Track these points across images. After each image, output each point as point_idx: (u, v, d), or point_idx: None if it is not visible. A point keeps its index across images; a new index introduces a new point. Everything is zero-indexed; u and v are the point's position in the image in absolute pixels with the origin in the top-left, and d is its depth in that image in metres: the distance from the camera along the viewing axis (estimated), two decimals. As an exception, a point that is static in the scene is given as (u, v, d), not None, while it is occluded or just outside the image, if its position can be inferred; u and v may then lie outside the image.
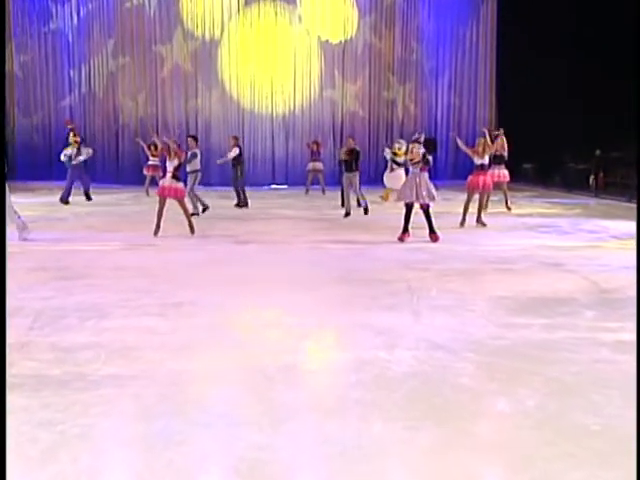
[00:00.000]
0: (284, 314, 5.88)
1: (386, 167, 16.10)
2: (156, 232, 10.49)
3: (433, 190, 9.95)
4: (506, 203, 14.58)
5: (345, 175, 13.77)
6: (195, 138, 14.35)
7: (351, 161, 13.51)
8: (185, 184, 11.49)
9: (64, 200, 15.48)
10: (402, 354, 4.69)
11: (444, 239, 10.15)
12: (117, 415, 3.70)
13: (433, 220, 10.00)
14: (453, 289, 6.79)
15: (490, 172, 13.80)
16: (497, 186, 14.45)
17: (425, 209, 9.89)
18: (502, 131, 14.93)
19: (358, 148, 14.15)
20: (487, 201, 13.93)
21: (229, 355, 4.72)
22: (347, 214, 13.41)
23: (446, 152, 24.09)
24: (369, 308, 6.05)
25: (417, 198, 9.81)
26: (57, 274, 7.51)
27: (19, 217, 9.87)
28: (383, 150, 17.21)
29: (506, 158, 14.55)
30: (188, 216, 10.89)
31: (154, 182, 16.75)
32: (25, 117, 23.20)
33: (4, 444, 3.15)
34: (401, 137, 21.87)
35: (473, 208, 11.90)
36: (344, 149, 14.22)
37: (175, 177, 10.63)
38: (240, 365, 4.51)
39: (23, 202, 14.40)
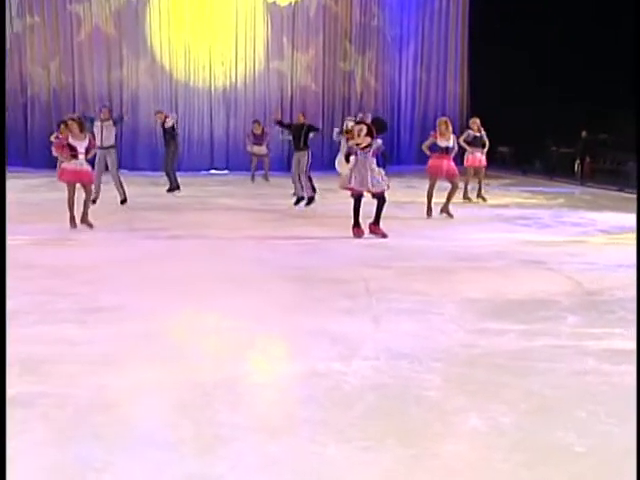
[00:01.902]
0: (224, 319, 5.86)
1: (339, 151, 16.22)
2: (74, 224, 10.40)
3: (383, 176, 9.96)
4: (479, 192, 14.77)
5: (294, 155, 13.83)
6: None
7: (299, 137, 13.57)
8: None
9: None
10: (360, 365, 4.71)
11: (407, 233, 10.24)
12: (24, 441, 3.63)
13: (383, 211, 9.97)
14: (418, 290, 6.85)
15: (470, 156, 14.06)
16: (475, 172, 14.67)
17: (379, 197, 9.89)
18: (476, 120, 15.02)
19: (309, 123, 14.27)
20: (466, 188, 14.15)
21: (160, 368, 4.68)
22: (298, 200, 13.46)
23: (410, 134, 24.31)
24: (322, 312, 6.06)
25: (365, 186, 9.83)
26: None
27: None
28: (333, 132, 17.30)
29: (486, 141, 14.70)
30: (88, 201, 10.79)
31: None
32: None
33: (4, 444, 3.18)
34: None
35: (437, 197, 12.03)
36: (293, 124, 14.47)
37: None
38: (172, 379, 4.47)
39: None
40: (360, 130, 9.96)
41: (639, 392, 3.82)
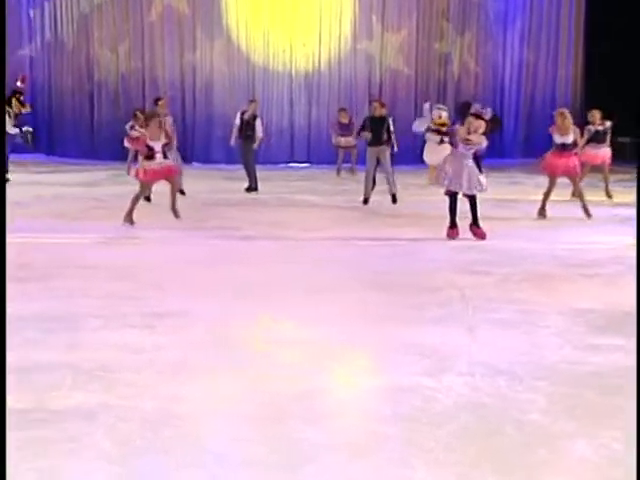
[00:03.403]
0: (302, 328, 5.94)
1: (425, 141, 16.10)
2: (128, 219, 10.77)
3: (480, 178, 9.95)
4: (606, 189, 14.55)
5: (369, 150, 13.82)
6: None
7: (379, 131, 13.55)
8: None
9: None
10: (452, 381, 4.72)
11: (509, 235, 10.14)
12: (86, 455, 3.77)
13: (478, 210, 9.94)
14: (520, 299, 6.80)
15: (589, 152, 13.77)
16: (598, 169, 14.44)
17: (472, 197, 9.90)
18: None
19: (386, 113, 14.18)
20: (578, 189, 13.93)
21: (231, 379, 4.78)
22: (365, 201, 13.48)
23: (515, 123, 23.95)
24: (410, 322, 6.08)
25: (459, 186, 9.82)
26: (12, 274, 7.58)
27: None
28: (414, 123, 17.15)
29: (609, 134, 14.47)
30: (174, 200, 11.12)
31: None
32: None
33: (4, 444, 3.36)
34: (456, 102, 21.79)
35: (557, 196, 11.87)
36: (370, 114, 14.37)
37: (165, 154, 10.89)
38: (245, 392, 4.57)
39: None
40: (479, 127, 9.90)
41: (639, 392, 3.88)
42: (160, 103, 14.52)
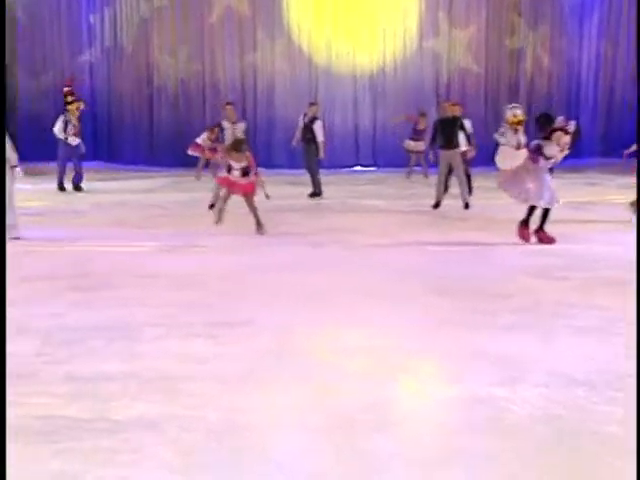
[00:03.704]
0: (370, 337, 5.95)
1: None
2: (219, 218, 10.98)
3: (554, 193, 9.93)
4: None
5: (441, 154, 13.78)
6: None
7: (449, 134, 13.50)
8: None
9: (80, 185, 16.09)
10: (527, 391, 4.69)
11: (588, 239, 10.04)
12: (150, 466, 3.84)
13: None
14: (600, 305, 6.72)
15: None
16: None
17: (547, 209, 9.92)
18: None
19: (459, 114, 14.10)
20: None
21: (298, 390, 4.82)
22: (436, 205, 13.45)
23: (592, 121, 23.60)
24: (482, 329, 6.05)
25: (536, 199, 9.82)
26: (73, 283, 7.80)
27: (12, 211, 10.31)
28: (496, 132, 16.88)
29: None
30: (256, 214, 11.17)
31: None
32: (31, 78, 23.79)
33: (4, 444, 3.48)
34: (529, 100, 21.62)
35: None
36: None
37: (245, 173, 11.03)
38: (312, 403, 4.60)
39: (28, 189, 14.94)
40: (565, 144, 9.87)
41: (639, 395, 3.90)
42: (229, 107, 14.65)
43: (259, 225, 10.94)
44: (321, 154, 15.46)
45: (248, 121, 18.31)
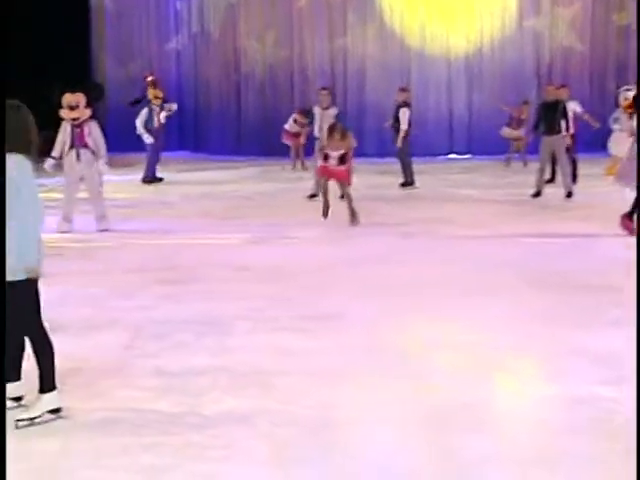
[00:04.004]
0: (463, 332, 5.97)
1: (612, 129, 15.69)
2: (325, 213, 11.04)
3: None
4: None
5: (543, 140, 13.60)
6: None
7: (551, 119, 13.31)
8: None
9: (149, 179, 16.31)
10: (633, 390, 4.63)
11: None
12: (242, 461, 3.95)
13: None
14: None
15: None
16: None
17: None
18: None
19: (563, 97, 13.90)
20: None
21: (389, 386, 4.88)
22: (537, 194, 13.26)
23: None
24: (584, 325, 6.01)
25: None
26: (162, 276, 7.98)
27: (101, 202, 10.57)
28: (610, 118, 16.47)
29: None
30: (351, 203, 11.25)
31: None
32: (119, 67, 24.28)
33: (4, 444, 3.63)
34: None
35: None
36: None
37: (342, 161, 11.11)
38: (404, 399, 4.65)
39: (115, 180, 15.27)
40: None
41: (639, 394, 3.89)
42: (324, 93, 14.70)
43: (353, 215, 10.99)
44: (398, 143, 15.41)
45: (337, 107, 18.36)
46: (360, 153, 21.03)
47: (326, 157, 11.08)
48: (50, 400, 4.42)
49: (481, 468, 3.80)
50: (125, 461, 3.94)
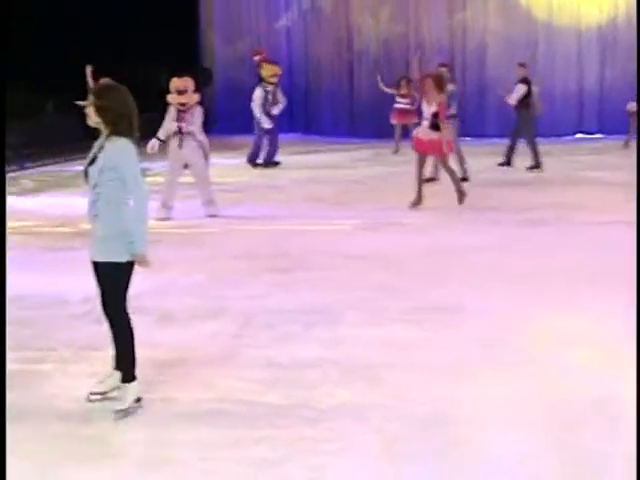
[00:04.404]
0: (595, 326, 5.90)
1: None
2: (416, 203, 11.00)
3: None
4: None
5: None
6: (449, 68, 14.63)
7: None
8: None
9: (256, 161, 16.41)
10: None
11: None
12: (355, 455, 4.01)
13: None
14: None
15: None
16: None
17: None
18: None
19: None
20: None
21: (512, 382, 4.86)
22: None
23: None
24: None
25: None
26: (272, 264, 8.11)
27: (208, 187, 10.75)
28: None
29: None
30: (455, 179, 11.20)
31: (406, 133, 17.27)
32: (227, 45, 24.48)
33: (4, 444, 3.75)
34: None
35: None
36: None
37: (434, 125, 10.96)
38: (529, 396, 4.64)
39: (223, 164, 15.56)
40: None
41: (639, 395, 3.93)
42: (444, 70, 14.63)
43: (460, 193, 10.95)
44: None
45: (456, 86, 18.20)
46: (481, 134, 21.08)
47: (419, 122, 10.94)
48: (134, 389, 4.62)
49: (617, 473, 3.77)
50: (236, 453, 4.04)
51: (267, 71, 16.43)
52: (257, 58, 17.12)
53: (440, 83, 11.14)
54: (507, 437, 4.15)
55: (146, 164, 10.34)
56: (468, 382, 4.89)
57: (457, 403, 4.58)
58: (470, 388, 4.79)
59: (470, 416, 4.43)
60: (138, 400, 4.60)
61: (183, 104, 10.53)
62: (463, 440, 4.13)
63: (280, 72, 16.78)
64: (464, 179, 13.09)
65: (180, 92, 10.54)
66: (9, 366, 4.86)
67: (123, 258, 4.49)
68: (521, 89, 15.15)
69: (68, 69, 15.96)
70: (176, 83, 10.59)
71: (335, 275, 7.59)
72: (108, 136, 4.51)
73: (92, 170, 4.52)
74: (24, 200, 12.63)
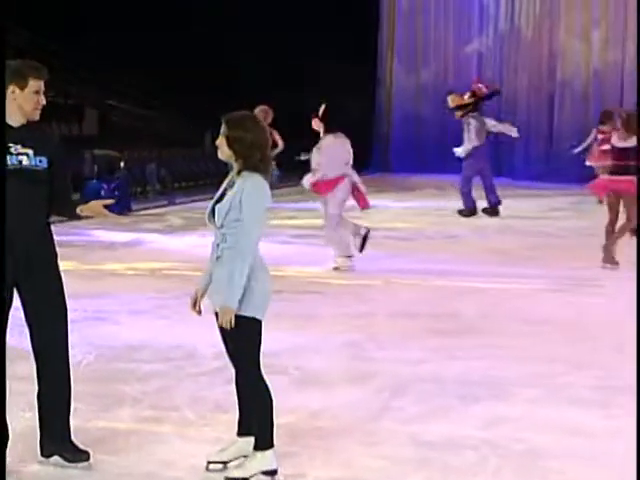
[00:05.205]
0: None
1: None
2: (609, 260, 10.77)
3: None
4: None
5: None
6: None
7: None
8: None
9: (469, 210, 16.25)
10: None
11: None
12: None
13: None
14: None
15: None
16: None
17: None
18: None
19: None
20: None
21: None
22: None
23: None
24: None
25: None
26: (434, 325, 8.04)
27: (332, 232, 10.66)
28: None
29: None
30: None
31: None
32: (408, 73, 24.57)
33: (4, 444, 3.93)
34: None
35: None
36: None
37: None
38: None
39: (393, 207, 15.53)
40: None
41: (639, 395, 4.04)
42: None
43: (610, 245, 10.72)
44: None
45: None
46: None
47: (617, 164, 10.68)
48: (265, 459, 4.52)
49: None
50: None
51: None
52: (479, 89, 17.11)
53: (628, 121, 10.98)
54: None
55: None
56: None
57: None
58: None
59: None
60: (273, 473, 4.53)
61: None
62: None
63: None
64: None
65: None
66: (121, 425, 4.91)
67: (243, 311, 4.46)
68: None
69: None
70: None
71: (509, 343, 7.44)
72: (239, 172, 4.52)
73: (219, 208, 4.53)
74: (167, 239, 12.94)
